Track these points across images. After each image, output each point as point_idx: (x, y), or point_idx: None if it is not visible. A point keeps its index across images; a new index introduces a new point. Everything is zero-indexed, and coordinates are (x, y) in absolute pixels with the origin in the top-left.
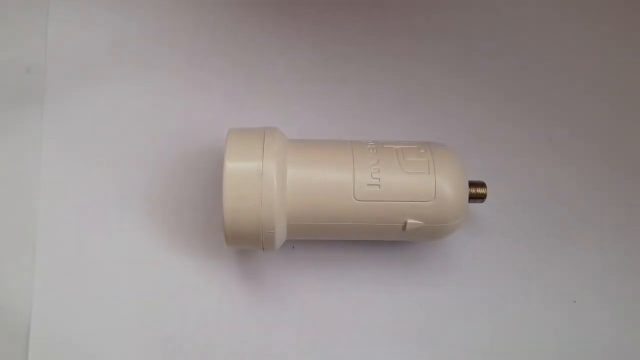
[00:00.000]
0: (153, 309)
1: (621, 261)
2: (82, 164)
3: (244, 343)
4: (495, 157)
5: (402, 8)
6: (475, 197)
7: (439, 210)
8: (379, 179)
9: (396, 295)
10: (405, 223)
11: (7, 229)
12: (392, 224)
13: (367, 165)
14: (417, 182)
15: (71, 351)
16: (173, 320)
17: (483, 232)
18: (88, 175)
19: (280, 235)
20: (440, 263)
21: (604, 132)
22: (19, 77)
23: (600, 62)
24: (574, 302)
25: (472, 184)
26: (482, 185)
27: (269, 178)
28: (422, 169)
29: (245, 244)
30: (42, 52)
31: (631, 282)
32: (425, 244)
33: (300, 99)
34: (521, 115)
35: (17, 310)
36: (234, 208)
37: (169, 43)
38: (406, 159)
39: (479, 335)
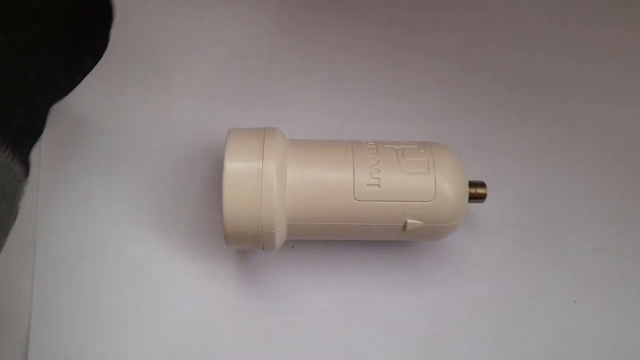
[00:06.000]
0: (153, 309)
1: (621, 261)
2: (82, 164)
3: (243, 343)
4: (495, 157)
5: (403, 8)
6: (475, 197)
7: (439, 210)
8: (379, 179)
9: (396, 295)
10: (406, 223)
11: None
12: (392, 224)
13: (367, 165)
14: (417, 182)
15: (71, 351)
16: (172, 320)
17: (483, 232)
18: (88, 175)
19: (280, 235)
20: (440, 263)
21: (603, 133)
22: None
23: (601, 61)
24: (574, 302)
25: (472, 184)
26: (482, 185)
27: (269, 178)
28: (422, 169)
29: (245, 244)
30: None
31: (631, 282)
32: (425, 244)
33: (301, 99)
34: (521, 115)
35: (17, 311)
36: (234, 208)
37: (168, 43)
38: (406, 159)
39: (479, 335)
